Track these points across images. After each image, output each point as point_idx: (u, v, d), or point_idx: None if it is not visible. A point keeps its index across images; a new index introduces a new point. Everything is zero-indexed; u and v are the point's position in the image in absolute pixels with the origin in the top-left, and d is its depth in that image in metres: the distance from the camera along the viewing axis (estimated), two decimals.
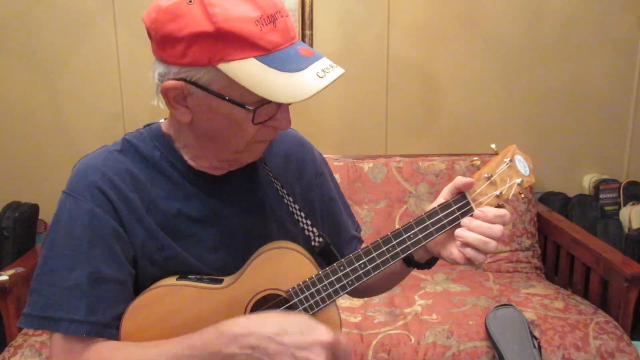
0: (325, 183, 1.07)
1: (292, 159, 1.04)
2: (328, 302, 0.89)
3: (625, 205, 2.54)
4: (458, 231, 0.86)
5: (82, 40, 2.46)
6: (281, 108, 0.83)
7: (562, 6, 2.51)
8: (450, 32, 2.52)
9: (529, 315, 1.86)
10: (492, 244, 0.84)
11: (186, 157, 0.91)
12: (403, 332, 1.82)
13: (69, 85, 2.49)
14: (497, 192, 0.87)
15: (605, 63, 2.56)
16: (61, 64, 2.47)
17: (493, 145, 0.90)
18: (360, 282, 0.89)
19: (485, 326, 1.79)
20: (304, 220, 0.99)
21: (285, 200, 0.99)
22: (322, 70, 0.78)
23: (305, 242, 0.99)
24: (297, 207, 0.99)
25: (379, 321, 1.88)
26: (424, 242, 0.87)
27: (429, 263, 0.97)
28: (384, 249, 0.88)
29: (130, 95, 2.52)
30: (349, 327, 1.83)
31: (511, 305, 1.84)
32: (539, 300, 1.97)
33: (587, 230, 2.28)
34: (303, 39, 2.46)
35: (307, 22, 2.46)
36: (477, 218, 0.85)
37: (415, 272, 1.74)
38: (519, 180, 0.87)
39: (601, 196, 2.57)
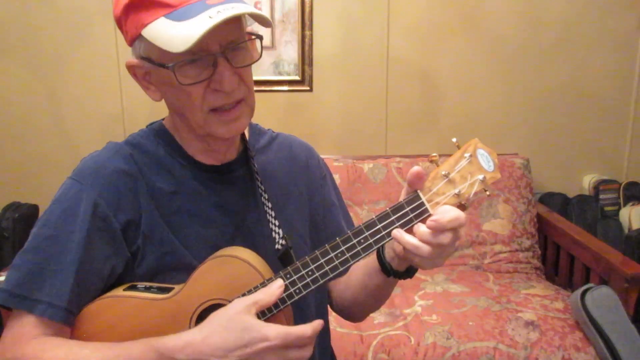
0: (326, 187, 1.09)
1: (300, 161, 1.05)
2: (275, 311, 0.83)
3: (625, 205, 2.54)
4: (394, 232, 0.78)
5: (82, 41, 2.46)
6: (218, 69, 0.81)
7: (562, 6, 2.50)
8: (450, 32, 2.52)
9: (529, 315, 1.86)
10: (424, 249, 0.75)
11: (185, 148, 0.93)
12: (403, 332, 1.81)
13: (68, 85, 2.49)
14: (456, 191, 0.78)
15: (605, 63, 2.56)
16: (61, 64, 2.47)
17: (454, 139, 0.80)
18: (308, 290, 0.83)
19: (585, 310, 1.54)
20: (273, 221, 0.95)
21: (262, 198, 0.96)
22: (218, 12, 0.75)
23: (271, 244, 0.95)
24: (269, 205, 0.95)
25: (379, 322, 1.88)
26: (375, 247, 0.80)
27: (409, 271, 0.90)
28: (332, 255, 0.82)
29: (130, 96, 2.52)
30: (348, 328, 1.83)
31: (604, 285, 1.59)
32: (539, 301, 1.97)
33: (587, 230, 2.28)
34: (303, 39, 2.46)
35: (307, 22, 2.46)
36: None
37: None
38: (481, 177, 0.78)
39: (601, 196, 2.56)
